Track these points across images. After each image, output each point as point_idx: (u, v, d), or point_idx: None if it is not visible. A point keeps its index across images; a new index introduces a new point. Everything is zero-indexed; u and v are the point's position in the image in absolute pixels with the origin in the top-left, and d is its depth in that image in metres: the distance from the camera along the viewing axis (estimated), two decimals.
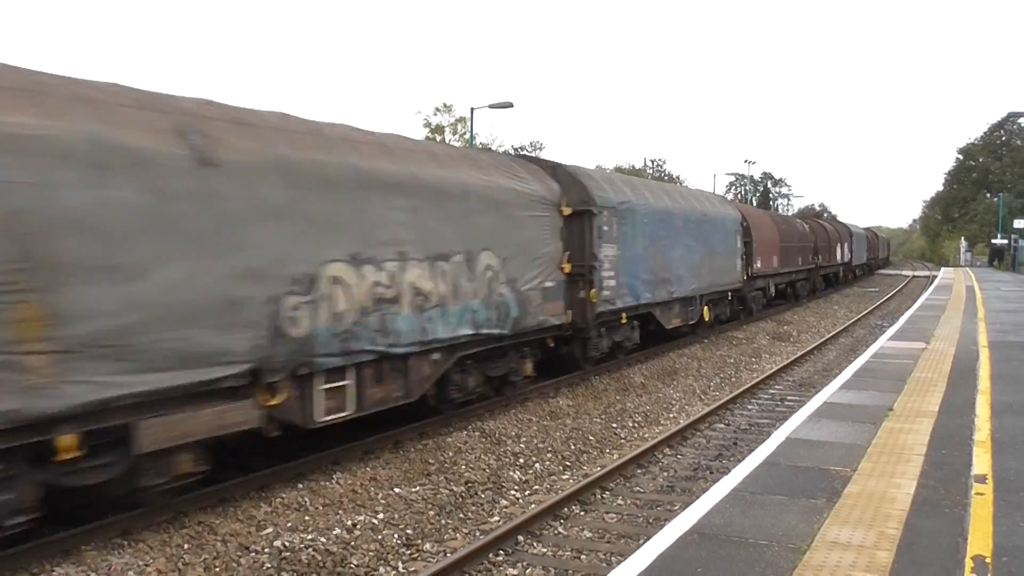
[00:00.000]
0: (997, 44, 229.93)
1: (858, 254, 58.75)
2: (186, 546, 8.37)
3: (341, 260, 10.31)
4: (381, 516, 9.28)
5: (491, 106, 31.80)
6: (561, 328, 15.90)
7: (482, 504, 9.95)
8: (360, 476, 10.70)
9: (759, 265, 30.15)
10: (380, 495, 10.04)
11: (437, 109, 54.70)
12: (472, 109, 33.22)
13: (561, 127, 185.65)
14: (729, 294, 26.44)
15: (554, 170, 16.71)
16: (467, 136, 48.70)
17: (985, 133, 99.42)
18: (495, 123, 73.61)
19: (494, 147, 54.01)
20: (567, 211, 15.87)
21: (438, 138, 55.27)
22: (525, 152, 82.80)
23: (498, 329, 13.54)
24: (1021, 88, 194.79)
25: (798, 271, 37.91)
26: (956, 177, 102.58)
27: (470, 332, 12.82)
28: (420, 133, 53.32)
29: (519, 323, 14.14)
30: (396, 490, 10.21)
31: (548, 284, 15.11)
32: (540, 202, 14.94)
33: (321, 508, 9.58)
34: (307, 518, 9.23)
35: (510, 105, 31.51)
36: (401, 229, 11.38)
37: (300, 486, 10.27)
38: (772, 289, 33.41)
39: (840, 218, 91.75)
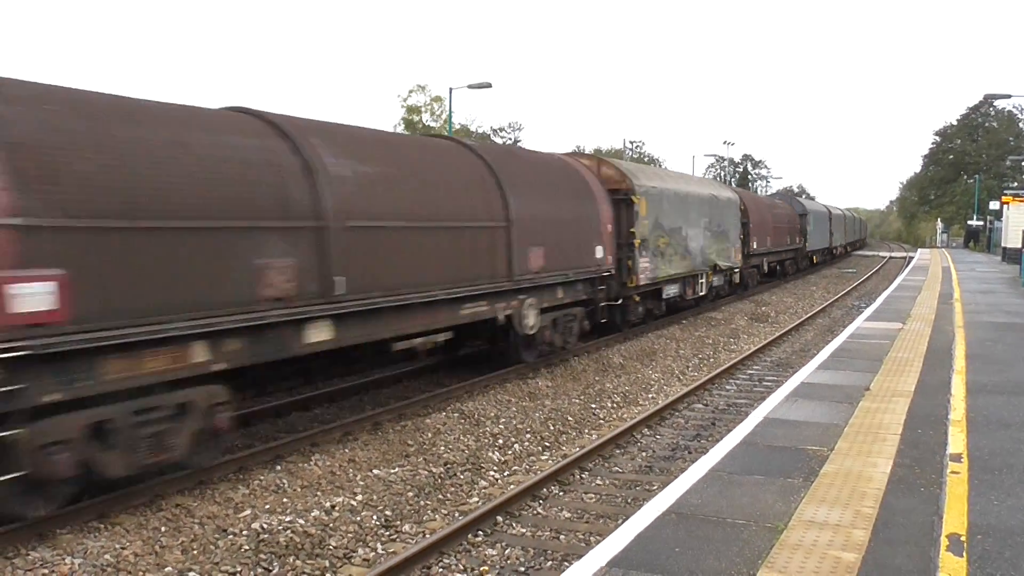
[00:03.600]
0: (975, 27, 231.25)
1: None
2: (163, 529, 8.32)
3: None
4: (360, 498, 9.26)
5: (470, 86, 31.70)
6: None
7: (461, 485, 9.95)
8: (339, 458, 10.67)
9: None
10: (359, 476, 10.02)
11: (412, 90, 54.37)
12: (451, 89, 33.11)
13: (540, 108, 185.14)
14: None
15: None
16: (444, 116, 48.47)
17: (962, 116, 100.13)
18: (473, 103, 73.39)
19: (472, 127, 53.73)
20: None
21: (415, 118, 55.02)
22: (504, 132, 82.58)
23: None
24: (998, 70, 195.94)
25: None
26: (933, 159, 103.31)
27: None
28: (398, 113, 52.92)
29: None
30: (375, 471, 10.19)
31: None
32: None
33: (299, 490, 9.55)
34: (285, 500, 9.19)
35: (488, 85, 31.42)
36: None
37: (278, 468, 10.23)
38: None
39: (819, 199, 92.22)
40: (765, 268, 36.54)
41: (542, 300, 15.97)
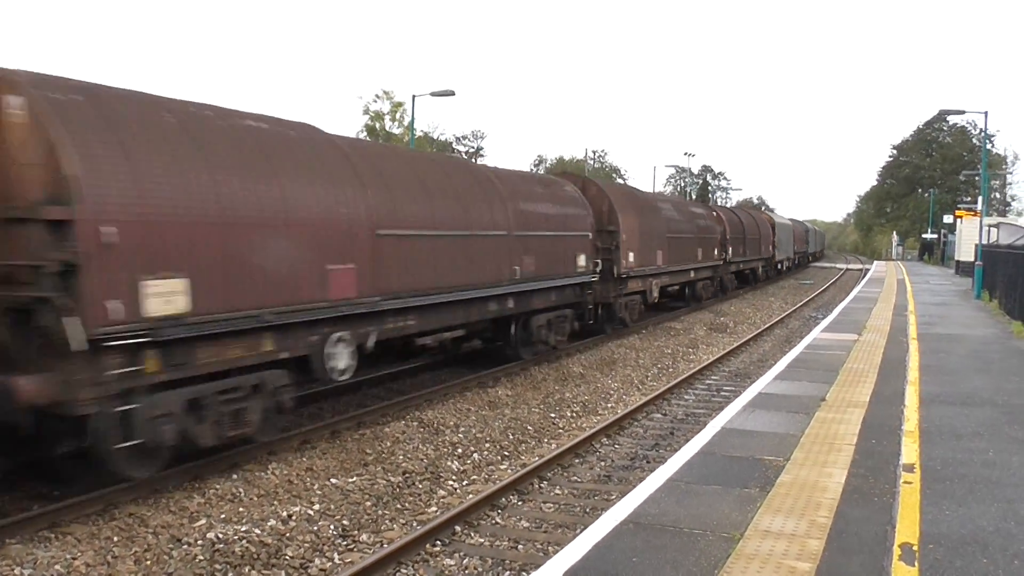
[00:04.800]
0: (931, 44, 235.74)
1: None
2: (116, 539, 8.18)
3: None
4: (317, 507, 9.18)
5: (432, 94, 31.63)
6: None
7: (419, 494, 9.91)
8: (296, 466, 10.57)
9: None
10: (316, 486, 9.93)
11: (377, 96, 54.20)
12: (413, 96, 33.07)
13: (503, 116, 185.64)
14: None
15: None
16: (406, 123, 48.39)
17: (917, 131, 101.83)
18: (437, 111, 73.34)
19: (435, 135, 53.73)
20: None
21: (377, 125, 54.87)
22: (467, 140, 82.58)
23: None
24: (953, 87, 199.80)
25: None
26: (889, 173, 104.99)
27: None
28: (360, 120, 52.74)
29: None
30: (333, 480, 10.11)
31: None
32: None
33: (256, 499, 9.45)
34: (241, 509, 9.09)
35: (452, 93, 31.38)
36: None
37: (235, 476, 10.11)
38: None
39: (778, 211, 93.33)
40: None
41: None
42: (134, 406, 8.69)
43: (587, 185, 22.66)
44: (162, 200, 8.82)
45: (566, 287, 19.02)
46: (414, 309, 13.21)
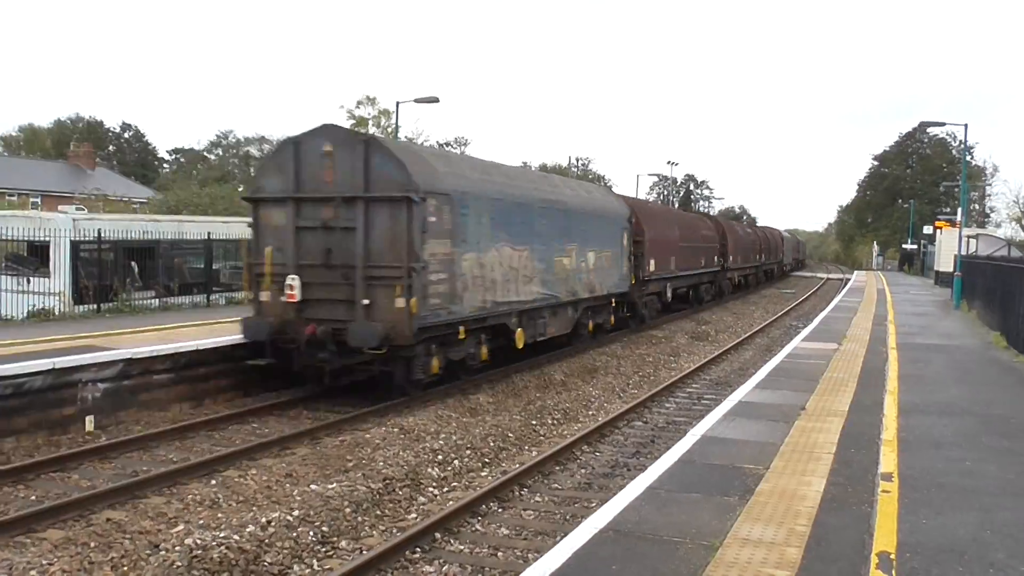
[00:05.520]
0: (914, 55, 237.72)
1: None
2: (93, 544, 8.12)
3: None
4: (297, 513, 9.13)
5: (417, 100, 31.57)
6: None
7: (400, 501, 9.88)
8: (276, 472, 10.53)
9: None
10: (296, 491, 9.89)
11: (360, 102, 54.06)
12: (397, 103, 32.95)
13: (487, 123, 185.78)
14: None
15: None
16: (391, 129, 48.36)
17: (897, 142, 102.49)
18: (420, 118, 73.06)
19: (419, 141, 53.63)
20: None
21: (361, 130, 54.75)
22: (450, 146, 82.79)
23: None
24: (935, 99, 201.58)
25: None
26: (870, 184, 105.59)
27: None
28: (343, 125, 52.62)
29: None
30: (313, 487, 10.07)
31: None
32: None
33: (235, 505, 9.40)
34: (220, 515, 9.04)
35: (436, 100, 31.34)
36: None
37: (214, 482, 10.06)
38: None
39: (760, 221, 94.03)
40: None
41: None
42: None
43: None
44: (656, 234, 25.86)
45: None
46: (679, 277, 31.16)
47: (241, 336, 14.33)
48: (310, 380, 14.91)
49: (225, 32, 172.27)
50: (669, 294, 30.51)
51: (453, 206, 14.73)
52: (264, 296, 14.54)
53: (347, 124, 54.68)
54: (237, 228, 24.34)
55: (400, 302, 13.52)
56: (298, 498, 9.66)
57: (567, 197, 20.83)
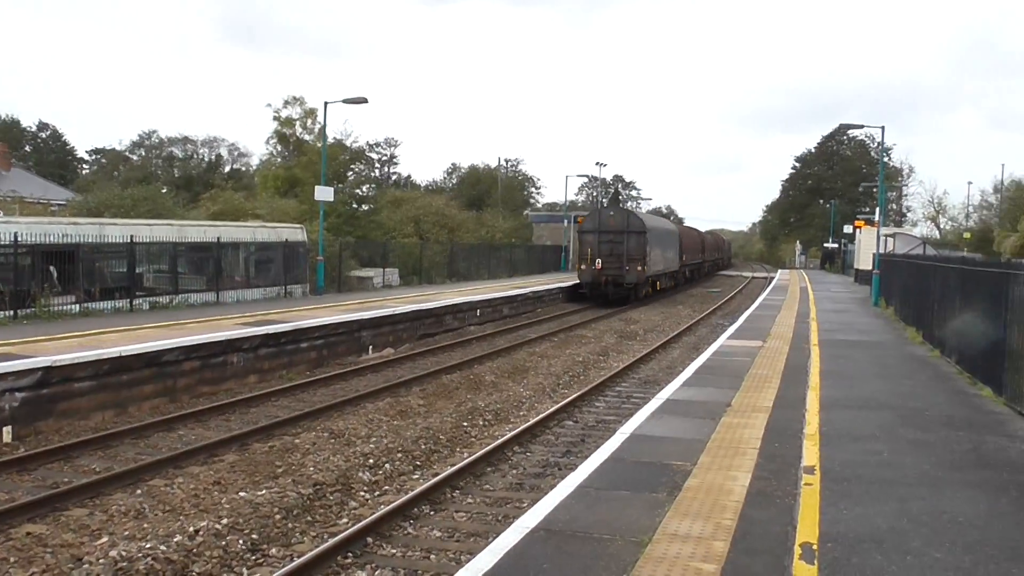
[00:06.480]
0: (836, 63, 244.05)
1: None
2: (12, 559, 7.90)
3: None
4: (225, 521, 9.01)
5: (345, 101, 31.26)
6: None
7: (331, 506, 9.82)
8: (203, 480, 10.36)
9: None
10: (224, 499, 9.75)
11: (287, 102, 53.31)
12: (325, 103, 32.49)
13: (417, 124, 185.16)
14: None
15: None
16: (318, 130, 47.86)
17: (819, 143, 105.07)
18: (348, 119, 72.45)
19: (348, 142, 53.06)
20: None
21: (287, 131, 54.08)
22: (380, 147, 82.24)
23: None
24: (855, 103, 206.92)
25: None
26: (793, 184, 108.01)
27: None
28: (270, 126, 51.88)
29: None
30: (241, 494, 9.94)
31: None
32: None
33: (161, 515, 9.23)
34: (146, 525, 8.86)
35: (364, 101, 31.09)
36: None
37: (139, 492, 9.86)
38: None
39: (686, 221, 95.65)
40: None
41: None
42: None
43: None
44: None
45: None
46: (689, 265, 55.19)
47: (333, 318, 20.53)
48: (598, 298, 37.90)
49: (147, 29, 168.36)
50: (687, 272, 53.50)
51: (650, 235, 39.30)
52: (584, 267, 38.47)
53: (273, 124, 54.02)
54: (162, 231, 23.82)
55: (640, 267, 38.10)
56: (227, 506, 9.53)
57: (664, 225, 48.30)
